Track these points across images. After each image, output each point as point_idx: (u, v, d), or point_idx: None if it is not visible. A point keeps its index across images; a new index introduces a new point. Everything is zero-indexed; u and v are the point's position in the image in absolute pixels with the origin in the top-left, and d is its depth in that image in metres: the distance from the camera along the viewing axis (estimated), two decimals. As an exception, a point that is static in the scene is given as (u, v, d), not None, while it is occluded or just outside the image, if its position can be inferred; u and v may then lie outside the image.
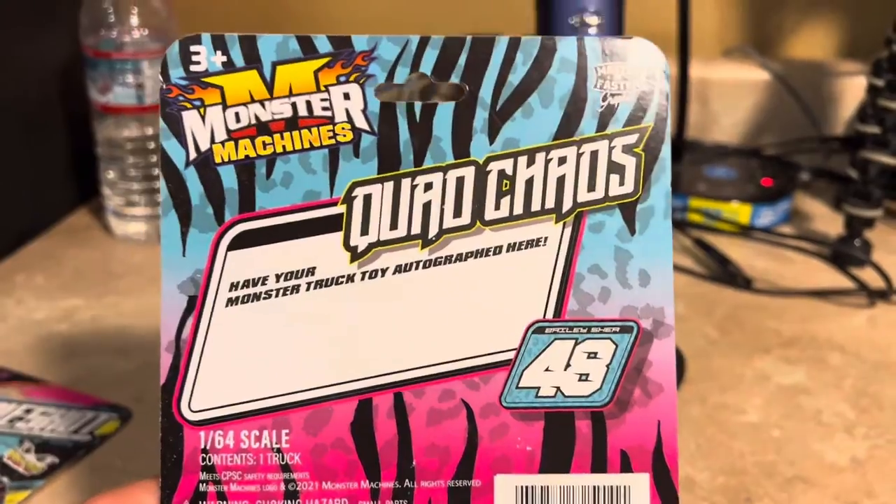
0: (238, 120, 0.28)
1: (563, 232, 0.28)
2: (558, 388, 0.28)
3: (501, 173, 0.28)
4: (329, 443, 0.28)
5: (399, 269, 0.28)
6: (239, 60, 0.28)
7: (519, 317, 0.28)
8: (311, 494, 0.28)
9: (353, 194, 0.28)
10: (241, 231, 0.28)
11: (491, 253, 0.28)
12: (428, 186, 0.28)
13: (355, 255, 0.28)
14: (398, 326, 0.28)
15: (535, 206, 0.28)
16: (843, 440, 0.47)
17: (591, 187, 0.28)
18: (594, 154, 0.28)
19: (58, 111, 0.74)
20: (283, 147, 0.28)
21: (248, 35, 0.28)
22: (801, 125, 0.84)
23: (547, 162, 0.28)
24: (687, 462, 0.45)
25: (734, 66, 0.86)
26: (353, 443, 0.28)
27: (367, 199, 0.28)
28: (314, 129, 0.28)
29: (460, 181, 0.28)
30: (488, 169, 0.28)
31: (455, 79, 0.28)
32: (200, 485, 0.28)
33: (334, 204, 0.28)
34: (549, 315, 0.28)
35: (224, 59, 0.28)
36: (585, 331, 0.28)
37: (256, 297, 0.28)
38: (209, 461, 0.28)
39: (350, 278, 0.28)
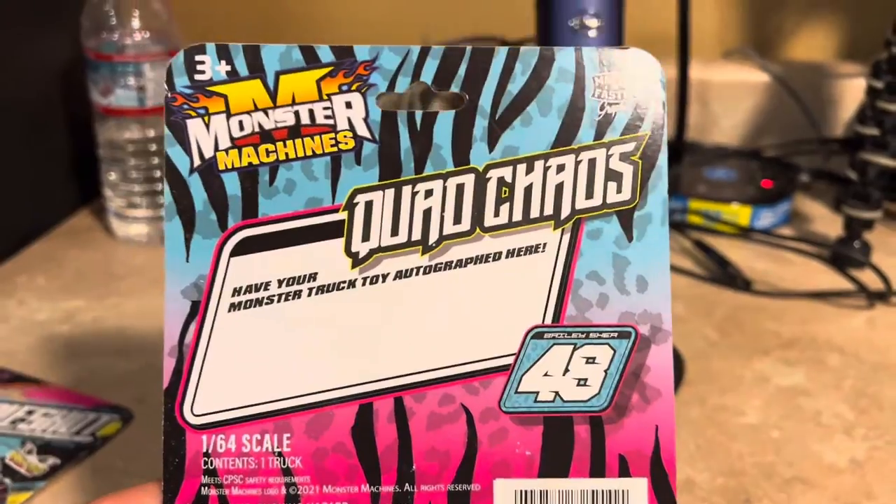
0: (242, 128, 0.28)
1: (561, 238, 0.28)
2: (557, 393, 0.28)
3: (501, 181, 0.28)
4: (330, 447, 0.28)
5: (399, 275, 0.28)
6: (243, 70, 0.28)
7: (518, 322, 0.28)
8: (312, 498, 0.28)
9: (355, 201, 0.28)
10: (244, 237, 0.28)
11: (490, 259, 0.28)
12: (428, 193, 0.28)
13: (356, 261, 0.28)
14: (399, 331, 0.28)
15: (534, 213, 0.28)
16: (843, 441, 0.47)
17: (589, 195, 0.28)
18: (592, 162, 0.28)
19: (59, 113, 0.74)
20: (286, 154, 0.28)
21: (252, 45, 0.28)
22: (800, 127, 0.84)
23: (545, 170, 0.28)
24: (686, 463, 0.45)
25: (734, 68, 0.86)
26: (354, 447, 0.28)
27: (369, 205, 0.28)
28: (316, 137, 0.28)
29: (460, 188, 0.28)
30: (488, 176, 0.28)
31: (455, 88, 0.28)
32: (202, 488, 0.28)
33: (336, 210, 0.28)
34: (548, 320, 0.28)
35: (228, 68, 0.28)
36: (584, 336, 0.28)
37: (259, 302, 0.28)
38: (211, 465, 0.28)
39: (351, 284, 0.28)
